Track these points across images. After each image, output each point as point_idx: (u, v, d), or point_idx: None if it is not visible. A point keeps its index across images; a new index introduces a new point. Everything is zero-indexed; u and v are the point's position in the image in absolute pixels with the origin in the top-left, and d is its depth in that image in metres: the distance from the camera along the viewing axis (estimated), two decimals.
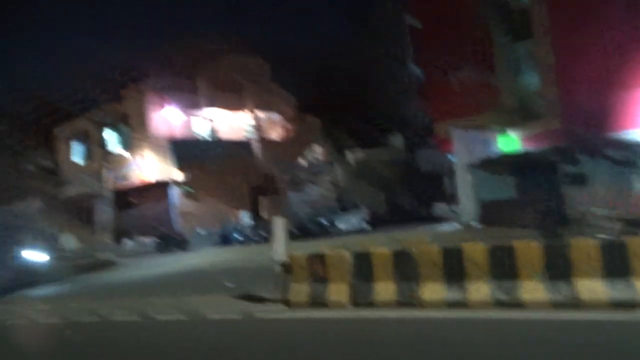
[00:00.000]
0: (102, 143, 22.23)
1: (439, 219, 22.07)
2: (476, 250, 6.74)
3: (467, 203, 17.61)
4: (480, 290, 6.55)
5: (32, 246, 17.54)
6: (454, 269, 6.76)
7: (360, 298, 7.26)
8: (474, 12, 16.47)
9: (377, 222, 26.98)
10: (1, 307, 11.87)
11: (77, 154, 27.25)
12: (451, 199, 23.32)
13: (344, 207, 25.60)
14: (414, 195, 35.62)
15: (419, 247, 7.34)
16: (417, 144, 36.03)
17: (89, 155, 26.35)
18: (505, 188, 15.70)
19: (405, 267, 7.05)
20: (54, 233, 27.80)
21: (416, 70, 37.45)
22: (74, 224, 27.91)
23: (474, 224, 16.95)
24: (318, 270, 7.64)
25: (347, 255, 7.57)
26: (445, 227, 19.17)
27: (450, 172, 21.39)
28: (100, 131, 22.28)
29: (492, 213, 15.87)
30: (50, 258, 17.75)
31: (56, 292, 14.67)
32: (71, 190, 26.76)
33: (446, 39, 16.90)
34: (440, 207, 24.02)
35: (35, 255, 17.24)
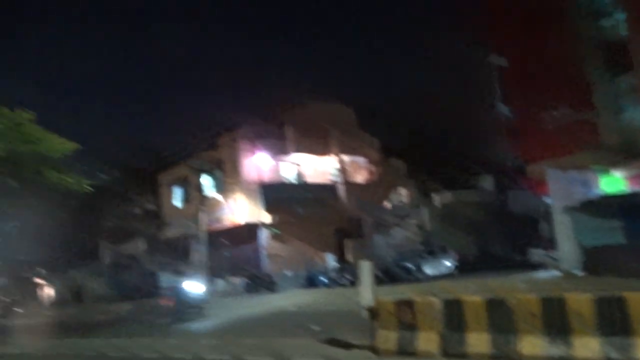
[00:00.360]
0: (199, 187, 23.81)
1: (535, 266, 20.60)
2: (581, 301, 6.20)
3: (567, 249, 16.35)
4: (587, 346, 5.99)
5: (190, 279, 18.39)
6: (555, 321, 6.26)
7: (451, 349, 6.93)
8: (567, 47, 15.79)
9: (466, 267, 25.75)
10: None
11: (176, 198, 29.40)
12: (548, 244, 21.75)
13: (431, 251, 24.80)
14: (506, 239, 33.66)
15: (515, 295, 6.92)
16: (508, 186, 34.38)
17: (187, 199, 28.31)
18: (611, 232, 14.42)
19: (501, 318, 6.64)
20: (154, 271, 29.86)
21: (505, 109, 36.31)
22: (172, 263, 29.78)
23: (576, 271, 15.63)
24: (406, 317, 7.45)
25: (437, 303, 7.32)
26: (543, 275, 17.85)
27: (546, 215, 20.09)
28: (198, 177, 23.94)
29: (596, 260, 14.59)
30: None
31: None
32: (171, 232, 28.71)
33: (537, 76, 16.33)
34: (536, 253, 22.43)
35: (194, 287, 18.12)
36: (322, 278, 24.11)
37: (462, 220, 31.88)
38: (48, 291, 38.04)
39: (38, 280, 38.15)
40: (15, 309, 31.06)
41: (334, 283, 22.91)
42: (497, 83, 36.24)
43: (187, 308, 16.16)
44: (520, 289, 12.75)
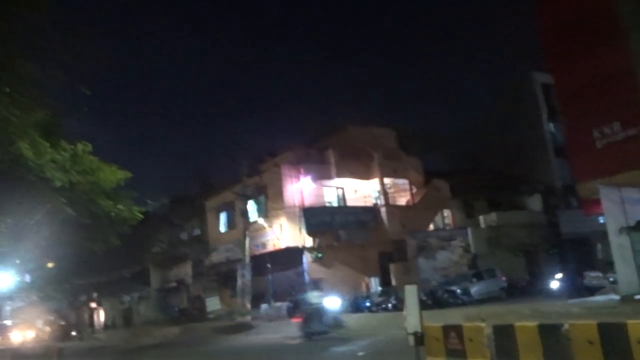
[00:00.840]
0: (243, 213, 24.21)
1: (590, 290, 19.58)
2: None
3: (625, 271, 15.45)
4: None
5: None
6: (616, 349, 5.93)
7: None
8: (620, 61, 15.21)
9: (516, 291, 24.79)
10: None
11: (222, 224, 30.02)
12: (604, 266, 20.70)
13: (478, 274, 24.04)
14: (559, 261, 32.25)
15: (571, 321, 6.62)
16: (557, 206, 33.13)
17: (231, 224, 28.84)
18: None
19: (556, 345, 6.36)
20: (200, 296, 30.41)
21: (553, 127, 35.28)
22: (217, 288, 30.26)
23: (637, 296, 14.73)
24: (454, 344, 7.26)
25: (486, 328, 7.10)
26: (600, 299, 16.92)
27: (601, 236, 19.13)
28: (242, 202, 24.38)
29: None
30: None
31: None
32: (216, 256, 29.25)
33: (589, 92, 15.78)
34: (591, 276, 21.34)
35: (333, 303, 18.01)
36: (366, 302, 23.79)
37: (510, 242, 30.82)
38: (100, 314, 39.40)
39: (92, 304, 39.61)
40: (71, 331, 32.32)
41: (378, 307, 22.55)
42: (543, 101, 35.46)
43: (327, 325, 15.74)
44: (575, 314, 12.15)
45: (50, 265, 33.82)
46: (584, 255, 28.20)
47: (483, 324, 7.26)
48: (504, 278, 24.89)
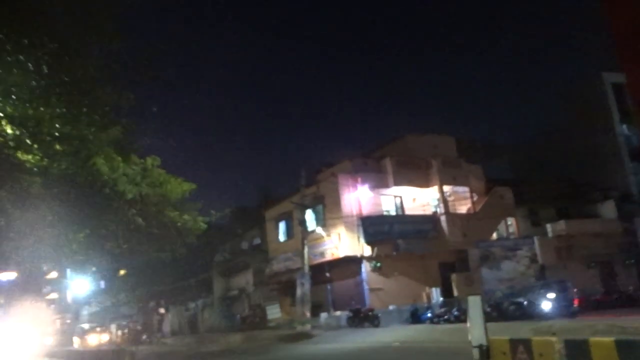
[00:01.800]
0: (302, 222, 24.51)
1: None
2: None
3: None
4: None
5: None
6: None
7: None
8: None
9: (589, 305, 23.37)
10: None
11: (281, 233, 30.55)
12: None
13: (547, 285, 22.85)
14: (636, 272, 30.11)
15: None
16: (633, 213, 30.99)
17: (290, 234, 29.27)
18: None
19: None
20: (261, 304, 31.01)
21: (626, 130, 33.12)
22: (277, 297, 30.74)
23: None
24: (523, 359, 6.96)
25: (557, 343, 6.76)
26: None
27: None
28: (301, 212, 24.69)
29: None
30: None
31: None
32: (276, 266, 29.76)
33: None
34: None
35: None
36: (427, 313, 23.28)
37: (583, 252, 29.17)
38: (168, 320, 41.11)
39: (160, 310, 41.43)
40: (142, 336, 33.96)
41: (439, 319, 22.00)
42: (615, 101, 33.42)
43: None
44: None
45: (122, 272, 35.87)
46: None
47: (554, 339, 6.92)
48: (575, 290, 23.53)
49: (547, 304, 21.29)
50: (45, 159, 9.92)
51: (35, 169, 9.91)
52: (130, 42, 9.99)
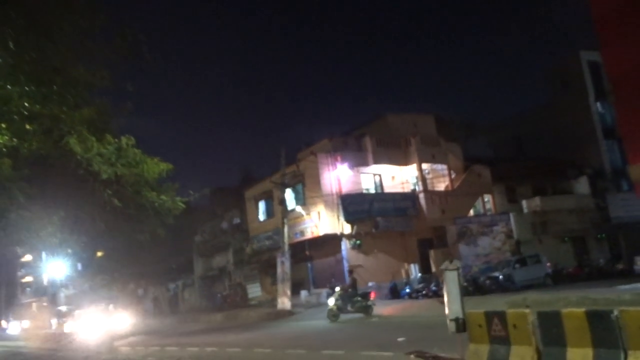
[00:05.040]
0: (282, 201, 24.47)
1: None
2: None
3: None
4: None
5: None
6: None
7: None
8: None
9: (562, 278, 24.11)
10: None
11: (261, 213, 30.49)
12: None
13: (522, 260, 23.47)
14: (608, 246, 31.09)
15: (621, 308, 6.36)
16: (607, 189, 31.83)
17: (270, 213, 29.23)
18: None
19: (606, 332, 6.15)
20: (242, 283, 31.09)
21: (600, 108, 33.72)
22: (258, 276, 30.85)
23: None
24: (498, 330, 7.14)
25: (530, 315, 6.94)
26: None
27: None
28: (281, 191, 24.63)
29: None
30: None
31: None
32: (256, 245, 29.77)
33: None
34: None
35: None
36: (406, 289, 23.71)
37: (557, 227, 29.93)
38: (148, 301, 40.96)
39: (139, 292, 41.23)
40: (123, 318, 33.75)
41: (418, 294, 22.45)
42: (591, 80, 33.88)
43: None
44: (627, 301, 11.70)
45: (99, 254, 35.43)
46: (635, 240, 27.08)
47: (528, 311, 7.10)
48: (549, 264, 24.22)
49: (521, 278, 21.91)
50: (15, 139, 9.59)
51: (4, 149, 9.58)
52: (106, 17, 9.59)
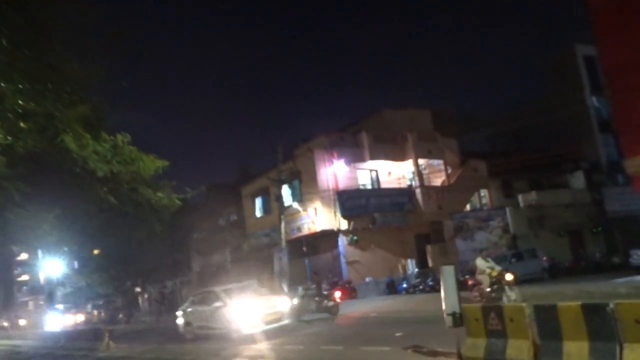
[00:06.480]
0: (278, 198, 24.47)
1: (637, 269, 18.91)
2: None
3: None
4: None
5: None
6: None
7: (546, 358, 6.57)
8: None
9: (558, 272, 24.23)
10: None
11: (258, 209, 30.46)
12: None
13: (518, 254, 23.56)
14: (604, 240, 31.24)
15: (617, 301, 6.39)
16: (603, 183, 31.94)
17: (268, 210, 29.22)
18: None
19: (601, 325, 6.19)
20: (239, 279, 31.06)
21: (597, 101, 33.79)
22: (256, 272, 30.84)
23: None
24: (495, 324, 7.18)
25: (527, 308, 6.98)
26: None
27: None
28: (277, 187, 24.61)
29: None
30: None
31: None
32: (253, 241, 29.77)
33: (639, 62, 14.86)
34: (637, 255, 20.59)
35: None
36: (403, 284, 23.79)
37: (553, 221, 30.05)
38: (146, 299, 40.92)
39: (137, 290, 41.17)
40: (118, 315, 33.76)
41: (415, 289, 22.52)
42: (586, 74, 33.93)
43: None
44: (622, 294, 11.78)
45: (96, 252, 35.36)
46: (631, 233, 27.20)
47: (524, 304, 7.14)
48: (545, 258, 24.33)
49: (518, 272, 21.97)
50: (9, 137, 9.53)
51: None
52: (100, 13, 9.53)
